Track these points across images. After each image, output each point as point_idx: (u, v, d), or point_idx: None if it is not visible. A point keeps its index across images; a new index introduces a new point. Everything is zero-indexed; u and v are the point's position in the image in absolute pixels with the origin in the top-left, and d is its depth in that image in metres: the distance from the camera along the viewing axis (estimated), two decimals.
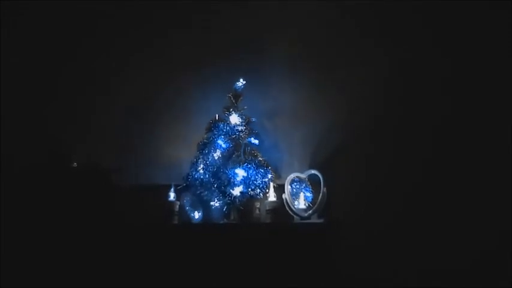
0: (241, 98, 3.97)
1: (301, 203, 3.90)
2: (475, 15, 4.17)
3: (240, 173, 3.85)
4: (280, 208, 3.87)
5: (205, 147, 3.91)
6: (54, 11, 4.30)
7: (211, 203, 3.89)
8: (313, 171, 3.94)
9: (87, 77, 4.27)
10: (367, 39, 4.26)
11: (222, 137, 3.89)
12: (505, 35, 4.14)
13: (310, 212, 3.85)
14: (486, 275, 3.87)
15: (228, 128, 3.91)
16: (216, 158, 3.88)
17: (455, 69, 4.15)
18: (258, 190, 3.87)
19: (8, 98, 4.17)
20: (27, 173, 3.83)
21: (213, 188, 3.88)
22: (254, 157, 3.92)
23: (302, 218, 3.86)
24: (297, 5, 4.29)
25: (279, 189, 3.91)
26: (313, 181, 3.96)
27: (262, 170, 3.88)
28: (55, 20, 4.30)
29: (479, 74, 4.14)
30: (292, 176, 3.95)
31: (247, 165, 3.87)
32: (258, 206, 3.94)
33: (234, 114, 3.94)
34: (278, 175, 4.03)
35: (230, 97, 3.97)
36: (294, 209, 3.87)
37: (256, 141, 3.95)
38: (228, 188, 3.86)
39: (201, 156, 3.90)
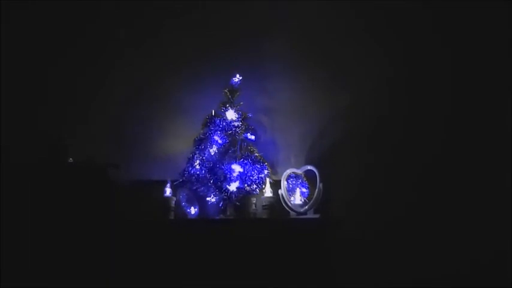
0: (238, 93, 3.98)
1: (297, 199, 3.92)
2: (477, 14, 4.19)
3: (236, 168, 3.86)
4: (277, 204, 3.89)
5: (201, 142, 3.93)
6: (53, 9, 4.30)
7: (208, 199, 3.91)
8: (309, 167, 3.95)
9: (83, 73, 4.27)
10: (368, 36, 4.28)
11: (219, 132, 3.90)
12: (506, 35, 4.15)
13: (306, 207, 3.86)
14: (486, 275, 3.87)
15: (224, 123, 3.92)
16: (212, 153, 3.89)
17: (457, 69, 4.17)
18: (254, 186, 3.88)
19: (5, 95, 4.17)
20: (23, 169, 3.82)
21: (209, 184, 3.89)
22: (250, 153, 3.94)
23: (298, 213, 3.87)
24: (296, 1, 4.30)
25: (275, 185, 3.92)
26: (309, 177, 3.97)
27: (259, 166, 3.89)
28: (53, 17, 4.30)
29: (482, 74, 4.16)
30: (288, 171, 3.97)
31: (243, 160, 3.89)
32: (254, 201, 3.93)
33: (230, 109, 3.95)
34: (274, 171, 4.06)
35: (226, 92, 3.98)
36: (290, 204, 3.89)
37: (253, 137, 3.97)
38: (224, 183, 3.86)
39: (197, 152, 3.92)
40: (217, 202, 3.91)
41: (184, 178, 3.92)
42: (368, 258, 4.00)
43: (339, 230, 3.83)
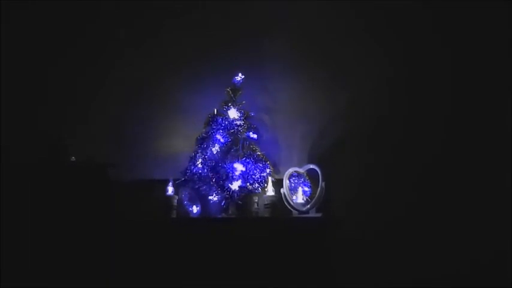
0: (240, 92, 3.98)
1: (299, 198, 3.91)
2: (477, 14, 4.20)
3: (239, 167, 3.85)
4: (279, 202, 3.88)
5: (203, 141, 3.92)
6: (53, 9, 4.28)
7: (210, 198, 3.90)
8: (311, 166, 3.94)
9: (83, 73, 4.25)
10: (368, 36, 4.28)
11: (221, 131, 3.89)
12: (506, 35, 4.16)
13: (308, 206, 3.85)
14: (486, 275, 3.88)
15: (226, 122, 3.91)
16: (215, 152, 3.88)
17: (457, 69, 4.17)
18: (257, 184, 3.88)
19: (5, 95, 4.15)
20: (23, 169, 3.80)
21: (211, 183, 3.89)
22: (252, 151, 3.93)
23: (300, 212, 3.87)
24: (296, 1, 4.31)
25: (278, 184, 3.92)
26: (311, 176, 3.96)
27: (261, 165, 3.89)
28: (53, 17, 4.28)
29: (482, 74, 4.17)
30: (290, 170, 3.96)
31: (245, 159, 3.88)
32: (256, 200, 3.94)
33: (232, 108, 3.95)
34: (276, 170, 4.05)
35: (229, 91, 3.98)
36: (292, 203, 3.88)
37: (255, 136, 3.97)
38: (226, 182, 3.86)
39: (199, 151, 3.91)
40: (220, 201, 3.90)
41: (186, 177, 3.92)
42: (368, 258, 4.00)
43: (339, 230, 3.84)
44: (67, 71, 4.24)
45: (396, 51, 4.24)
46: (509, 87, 4.11)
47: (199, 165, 3.89)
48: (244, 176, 3.86)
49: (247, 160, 3.88)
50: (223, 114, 3.96)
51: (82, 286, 3.67)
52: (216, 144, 3.88)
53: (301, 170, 3.99)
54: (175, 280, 3.70)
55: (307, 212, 3.86)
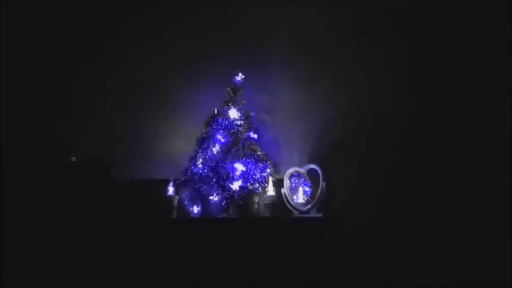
0: (240, 92, 3.98)
1: (300, 198, 3.91)
2: (477, 14, 4.19)
3: (239, 167, 3.85)
4: (279, 202, 3.88)
5: (204, 141, 3.91)
6: (54, 9, 4.27)
7: (210, 198, 3.90)
8: (312, 166, 3.95)
9: (85, 72, 4.25)
10: (368, 36, 4.28)
11: (221, 131, 3.89)
12: (506, 35, 4.16)
13: (309, 206, 3.85)
14: (486, 275, 3.88)
15: (227, 122, 3.91)
16: (215, 152, 3.88)
17: (457, 69, 4.17)
18: (257, 184, 3.87)
19: (5, 95, 4.15)
20: (23, 169, 3.80)
21: (212, 183, 3.88)
22: (253, 151, 3.93)
23: (301, 212, 3.87)
24: (296, 1, 4.30)
25: (278, 184, 3.92)
26: (312, 175, 3.97)
27: (261, 165, 3.89)
28: (53, 17, 4.28)
29: (482, 74, 4.16)
30: (291, 170, 3.96)
31: (246, 159, 3.88)
32: (256, 200, 3.93)
33: (233, 108, 3.94)
34: (277, 169, 4.04)
35: (229, 91, 3.98)
36: (292, 203, 3.88)
37: (255, 136, 3.97)
38: (227, 182, 3.86)
39: (200, 151, 3.90)
40: (220, 201, 3.90)
41: (187, 177, 3.92)
42: (368, 258, 3.99)
43: (339, 230, 3.85)
44: (67, 71, 4.24)
45: (396, 51, 4.23)
46: (509, 87, 4.11)
47: (200, 165, 3.89)
48: (244, 176, 3.86)
49: (248, 160, 3.88)
50: (224, 114, 3.95)
51: (82, 286, 3.66)
52: (217, 144, 3.88)
53: (301, 170, 4.00)
54: (176, 280, 3.70)
55: (307, 212, 3.86)
